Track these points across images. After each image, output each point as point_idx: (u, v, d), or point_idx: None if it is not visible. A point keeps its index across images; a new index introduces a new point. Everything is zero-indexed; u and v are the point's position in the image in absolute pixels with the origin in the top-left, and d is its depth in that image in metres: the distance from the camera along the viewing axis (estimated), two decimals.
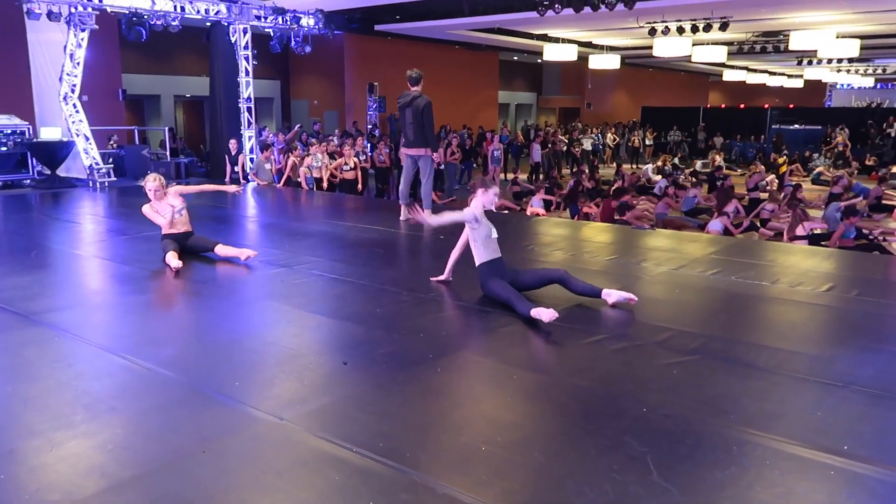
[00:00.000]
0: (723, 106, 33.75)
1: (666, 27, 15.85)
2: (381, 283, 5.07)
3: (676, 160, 20.87)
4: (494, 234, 4.64)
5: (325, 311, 4.53)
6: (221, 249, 5.84)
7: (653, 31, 16.15)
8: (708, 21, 15.11)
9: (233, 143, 12.20)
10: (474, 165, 18.35)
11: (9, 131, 10.88)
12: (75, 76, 11.29)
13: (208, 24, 12.63)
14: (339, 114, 20.76)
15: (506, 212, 10.74)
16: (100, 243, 6.90)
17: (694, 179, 15.94)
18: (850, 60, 24.02)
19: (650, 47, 18.00)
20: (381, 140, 14.90)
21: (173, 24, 11.51)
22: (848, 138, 23.38)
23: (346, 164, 11.64)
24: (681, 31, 15.66)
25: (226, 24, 12.46)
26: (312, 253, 6.12)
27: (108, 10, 11.15)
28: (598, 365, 3.55)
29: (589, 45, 21.65)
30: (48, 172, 11.23)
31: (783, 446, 2.68)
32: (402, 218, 7.78)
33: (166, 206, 5.85)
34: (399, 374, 3.43)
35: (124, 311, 4.60)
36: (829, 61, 24.45)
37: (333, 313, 4.49)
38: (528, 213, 10.82)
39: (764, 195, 13.41)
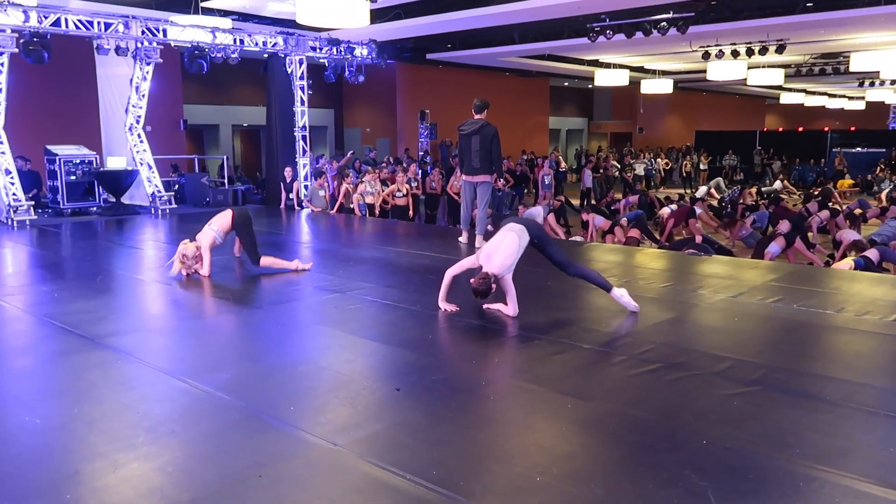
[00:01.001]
0: (780, 129, 32.99)
1: (720, 51, 15.65)
2: (433, 310, 5.08)
3: (723, 184, 20.41)
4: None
5: (378, 336, 4.56)
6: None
7: (707, 55, 15.98)
8: (764, 44, 14.88)
9: (288, 171, 12.47)
10: (525, 191, 18.33)
11: (78, 161, 11.36)
12: (140, 107, 11.76)
13: (266, 55, 13.02)
14: (391, 141, 21.07)
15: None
16: (161, 269, 7.10)
17: (758, 200, 15.62)
18: None
19: (704, 71, 17.81)
20: (435, 167, 15.04)
21: (233, 56, 11.91)
22: None
23: (398, 190, 11.77)
24: (735, 54, 15.46)
25: (282, 55, 12.82)
26: (365, 279, 6.18)
27: (172, 44, 11.61)
28: (655, 395, 3.47)
29: (641, 69, 21.55)
30: (113, 200, 11.66)
31: (853, 483, 2.56)
32: (463, 241, 7.99)
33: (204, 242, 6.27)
34: (451, 401, 3.42)
35: (183, 336, 4.72)
36: (893, 82, 23.72)
37: (386, 339, 4.51)
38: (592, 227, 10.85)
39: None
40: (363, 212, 11.63)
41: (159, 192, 11.80)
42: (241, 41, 12.03)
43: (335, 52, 13.15)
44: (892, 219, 11.12)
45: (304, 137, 13.37)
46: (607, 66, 19.83)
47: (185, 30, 11.31)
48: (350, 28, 12.48)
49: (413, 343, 4.37)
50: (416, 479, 2.59)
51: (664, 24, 12.82)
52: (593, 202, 15.71)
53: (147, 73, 11.58)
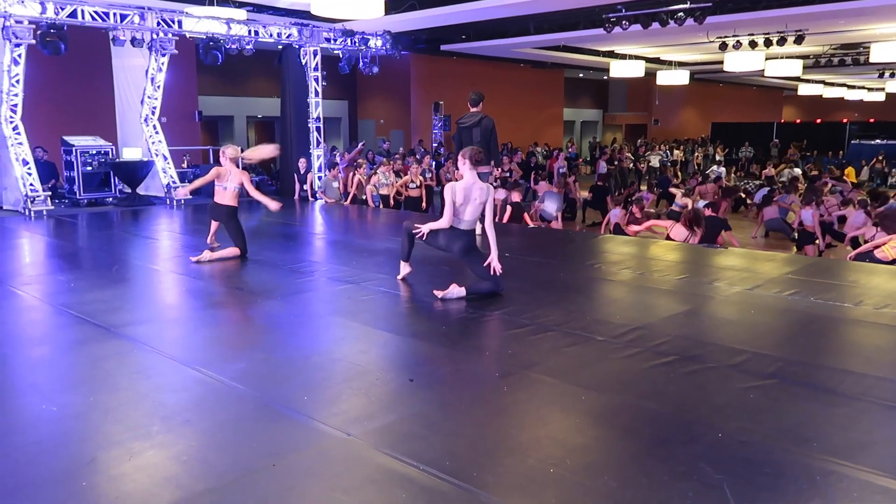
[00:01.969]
0: (798, 121, 32.64)
1: (737, 41, 15.47)
2: (447, 300, 5.07)
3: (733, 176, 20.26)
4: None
5: (392, 327, 4.56)
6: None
7: (724, 46, 15.80)
8: (782, 34, 14.68)
9: (302, 162, 12.49)
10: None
11: (94, 152, 11.42)
12: (155, 99, 11.81)
13: (280, 47, 13.02)
14: (404, 133, 21.04)
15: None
16: (175, 259, 7.15)
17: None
18: None
19: (721, 62, 17.63)
20: (449, 158, 15.01)
21: (247, 47, 11.93)
22: None
23: (411, 181, 11.76)
24: (753, 45, 15.26)
25: (297, 46, 12.82)
26: (379, 270, 6.18)
27: (187, 35, 11.63)
28: (670, 388, 3.44)
29: (657, 60, 21.36)
30: (129, 191, 11.73)
31: (872, 478, 2.54)
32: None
33: (232, 178, 6.43)
34: (465, 392, 3.41)
35: (198, 326, 4.74)
36: None
37: (400, 330, 4.51)
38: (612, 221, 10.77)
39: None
40: (376, 203, 11.63)
41: (174, 182, 11.85)
42: (256, 32, 12.04)
43: (349, 44, 13.13)
44: None
45: (318, 129, 13.38)
46: (623, 57, 19.65)
47: (199, 21, 11.33)
48: (364, 19, 12.45)
49: (426, 334, 4.37)
50: (430, 469, 2.59)
51: (681, 14, 12.68)
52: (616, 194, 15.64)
53: (162, 64, 11.62)
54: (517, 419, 3.16)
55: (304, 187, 12.34)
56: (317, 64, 13.16)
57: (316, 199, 12.15)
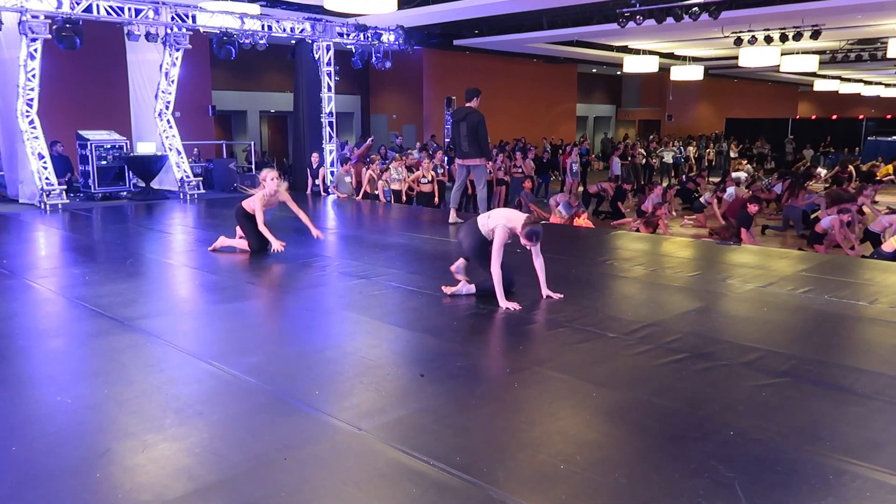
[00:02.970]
0: (813, 117, 32.34)
1: (753, 36, 15.34)
2: (458, 296, 5.07)
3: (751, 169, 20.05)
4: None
5: (403, 322, 4.57)
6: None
7: (739, 41, 15.68)
8: (798, 29, 14.55)
9: (314, 157, 12.52)
10: (551, 178, 18.20)
11: (108, 146, 11.51)
12: (169, 93, 11.87)
13: (293, 41, 13.05)
14: (417, 128, 21.04)
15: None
16: (189, 253, 7.19)
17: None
18: None
19: (736, 57, 17.48)
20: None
21: (260, 42, 11.97)
22: None
23: (423, 177, 11.76)
24: (769, 40, 15.14)
25: (310, 41, 12.85)
26: (390, 265, 6.19)
27: (201, 30, 11.69)
28: (682, 385, 3.43)
29: (671, 55, 21.22)
30: (143, 185, 11.81)
31: (886, 478, 2.52)
32: (450, 220, 8.54)
33: (272, 203, 6.61)
34: (476, 387, 3.42)
35: (211, 319, 4.77)
36: None
37: (411, 325, 4.52)
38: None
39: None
40: (388, 198, 11.64)
41: (188, 177, 11.92)
42: (269, 27, 12.07)
43: (362, 38, 13.14)
44: None
45: (330, 124, 13.41)
46: (636, 52, 19.55)
47: (213, 16, 11.38)
48: (377, 14, 12.48)
49: (438, 329, 4.37)
50: (440, 464, 2.60)
51: (696, 9, 12.60)
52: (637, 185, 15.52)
53: (176, 59, 11.68)
54: (528, 415, 3.16)
55: (317, 182, 12.37)
56: (330, 59, 13.18)
57: (328, 193, 12.18)
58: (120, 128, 12.35)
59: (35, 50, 9.93)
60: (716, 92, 29.68)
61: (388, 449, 2.75)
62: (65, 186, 10.66)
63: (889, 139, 25.37)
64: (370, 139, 16.29)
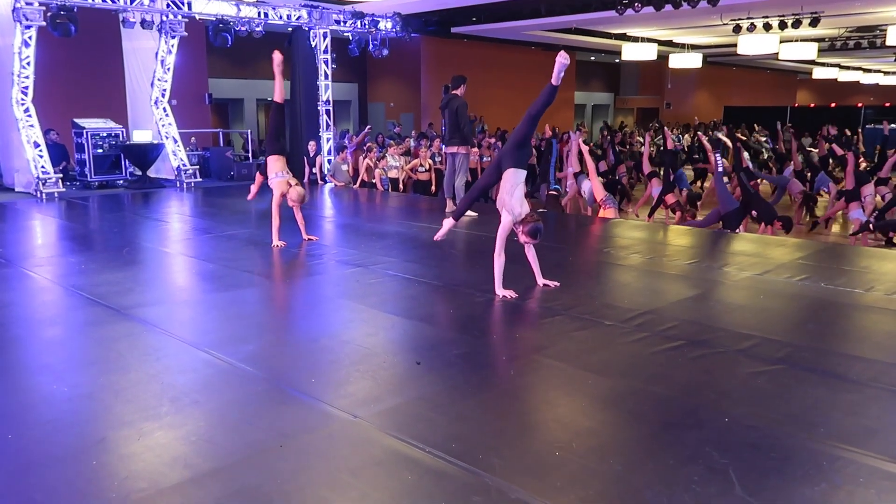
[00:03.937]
0: (812, 105, 32.27)
1: (752, 24, 15.28)
2: (454, 284, 5.08)
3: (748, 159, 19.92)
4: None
5: (400, 311, 4.57)
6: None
7: (737, 29, 15.61)
8: (797, 17, 14.49)
9: (311, 145, 12.48)
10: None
11: (104, 134, 11.47)
12: (165, 81, 11.81)
13: (290, 29, 12.98)
14: (414, 116, 20.97)
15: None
16: (186, 241, 7.18)
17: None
18: None
19: (734, 45, 17.40)
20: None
21: (257, 29, 11.90)
22: None
23: (420, 165, 11.73)
24: (767, 27, 15.07)
25: (306, 28, 12.77)
26: (387, 253, 6.19)
27: (197, 17, 11.61)
28: (678, 372, 3.44)
29: (669, 43, 21.12)
30: (139, 173, 11.78)
31: (879, 464, 2.53)
32: (447, 210, 8.53)
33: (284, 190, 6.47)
34: (472, 375, 3.42)
35: (208, 308, 4.77)
36: None
37: (407, 313, 4.52)
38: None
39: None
40: (385, 186, 11.62)
41: (184, 165, 11.88)
42: (266, 14, 12.00)
43: (359, 26, 13.06)
44: None
45: (327, 112, 13.35)
46: (635, 39, 19.46)
47: (209, 2, 11.30)
48: (374, 1, 12.40)
49: (434, 318, 4.38)
50: (436, 452, 2.61)
51: None
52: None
53: (172, 46, 11.61)
54: (524, 402, 3.17)
55: (314, 170, 12.34)
56: (326, 46, 13.11)
57: (325, 182, 12.16)
58: (116, 116, 12.30)
59: (30, 37, 9.86)
60: (714, 80, 29.58)
61: (384, 437, 2.75)
62: (60, 175, 10.62)
63: (888, 127, 25.32)
64: (367, 127, 16.25)
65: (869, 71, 29.93)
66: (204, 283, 5.50)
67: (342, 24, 12.99)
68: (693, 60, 20.47)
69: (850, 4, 14.34)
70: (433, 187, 11.80)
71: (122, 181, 11.66)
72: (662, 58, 20.97)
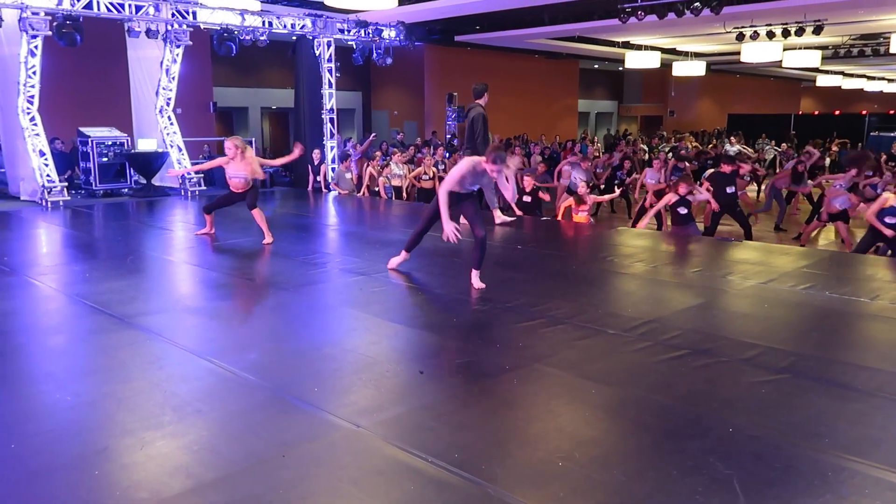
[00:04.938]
0: (816, 113, 32.24)
1: (755, 32, 15.30)
2: (457, 293, 5.07)
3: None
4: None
5: (403, 319, 4.57)
6: (256, 214, 6.87)
7: (741, 37, 15.63)
8: (800, 24, 14.49)
9: (315, 153, 12.51)
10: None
11: (109, 143, 11.51)
12: (170, 90, 11.85)
13: (294, 38, 13.03)
14: (418, 124, 21.01)
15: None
16: (190, 250, 7.19)
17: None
18: None
19: (738, 53, 17.43)
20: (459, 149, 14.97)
21: (261, 38, 11.94)
22: None
23: (425, 173, 11.74)
24: (771, 35, 15.09)
25: (310, 37, 12.82)
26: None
27: (202, 26, 11.66)
28: (681, 382, 3.43)
29: (673, 51, 21.16)
30: (144, 182, 11.81)
31: (885, 475, 2.51)
32: (497, 220, 8.52)
33: (241, 168, 6.72)
34: (475, 385, 3.42)
35: (211, 317, 4.77)
36: None
37: (410, 322, 4.51)
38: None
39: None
40: (389, 194, 11.63)
41: (189, 174, 11.91)
42: (270, 23, 12.05)
43: (363, 35, 13.10)
44: None
45: (331, 120, 13.39)
46: (638, 48, 19.50)
47: (214, 12, 11.36)
48: (378, 10, 12.43)
49: (437, 326, 4.37)
50: (438, 461, 2.60)
51: (697, 4, 12.54)
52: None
53: (177, 55, 11.66)
54: (526, 412, 3.16)
55: (318, 178, 12.36)
56: (330, 55, 13.15)
57: (329, 190, 12.17)
58: (121, 124, 12.34)
59: (35, 47, 9.91)
60: (718, 88, 29.59)
61: (387, 446, 2.75)
62: (66, 183, 10.66)
63: (891, 134, 25.29)
64: (372, 135, 16.28)
65: (873, 79, 29.93)
66: (207, 292, 5.50)
67: (346, 32, 13.04)
68: (696, 68, 20.50)
69: (853, 12, 14.35)
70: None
71: (126, 189, 11.69)
72: (666, 66, 21.00)
